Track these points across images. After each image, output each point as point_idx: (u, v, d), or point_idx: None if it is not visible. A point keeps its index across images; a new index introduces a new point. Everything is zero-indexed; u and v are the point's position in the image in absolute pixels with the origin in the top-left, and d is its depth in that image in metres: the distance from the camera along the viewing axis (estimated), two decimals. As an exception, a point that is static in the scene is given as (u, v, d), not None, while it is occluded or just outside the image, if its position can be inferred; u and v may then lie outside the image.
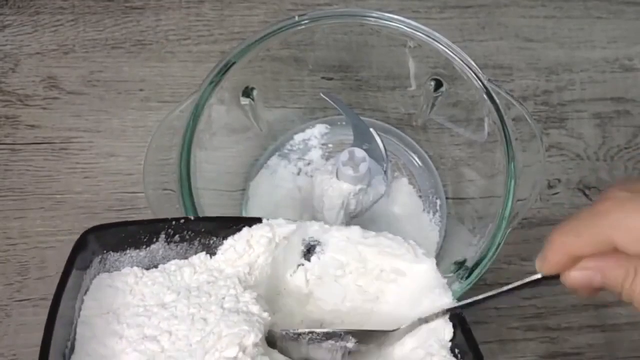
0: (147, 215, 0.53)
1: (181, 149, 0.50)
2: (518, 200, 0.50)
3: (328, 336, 0.40)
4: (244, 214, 0.59)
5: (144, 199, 0.51)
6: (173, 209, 0.49)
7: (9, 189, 0.61)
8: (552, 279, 0.37)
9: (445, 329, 0.39)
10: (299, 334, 0.40)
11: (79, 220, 0.59)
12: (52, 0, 0.69)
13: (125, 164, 0.62)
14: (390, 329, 0.40)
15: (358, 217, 0.56)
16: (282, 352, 0.41)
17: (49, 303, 0.36)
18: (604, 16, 0.73)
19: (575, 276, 0.36)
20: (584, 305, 0.59)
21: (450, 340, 0.39)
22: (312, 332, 0.40)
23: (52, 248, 0.58)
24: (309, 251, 0.44)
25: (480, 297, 0.39)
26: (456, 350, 0.39)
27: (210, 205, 0.51)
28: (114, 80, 0.66)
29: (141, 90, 0.66)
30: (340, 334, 0.40)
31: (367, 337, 0.41)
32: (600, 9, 0.73)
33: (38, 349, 0.35)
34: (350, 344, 0.40)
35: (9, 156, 0.62)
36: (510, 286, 0.38)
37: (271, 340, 0.41)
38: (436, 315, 0.40)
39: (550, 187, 0.64)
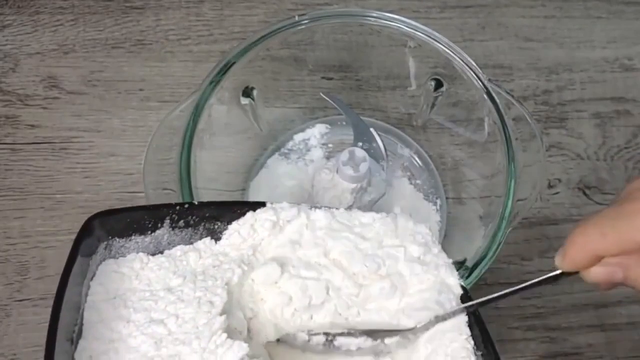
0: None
1: (181, 149, 0.50)
2: (518, 200, 0.50)
3: (342, 335, 0.41)
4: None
5: (144, 198, 0.51)
6: (173, 209, 0.49)
7: (9, 188, 0.61)
8: (571, 275, 0.37)
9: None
10: (313, 334, 0.41)
11: (79, 220, 0.58)
12: (52, 0, 0.69)
13: (125, 163, 0.62)
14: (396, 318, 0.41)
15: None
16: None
17: (49, 303, 0.37)
18: (604, 16, 0.73)
19: (597, 272, 0.36)
20: (584, 305, 0.59)
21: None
22: (326, 334, 0.41)
23: (52, 248, 0.58)
24: None
25: (498, 294, 0.39)
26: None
27: (211, 205, 0.51)
28: (114, 80, 0.66)
29: (141, 90, 0.66)
30: (355, 334, 0.41)
31: (382, 335, 0.41)
32: (600, 9, 0.73)
33: (38, 348, 0.35)
34: (366, 342, 0.40)
35: (9, 156, 0.62)
36: (528, 283, 0.39)
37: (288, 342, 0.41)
38: (453, 314, 0.40)
39: (550, 187, 0.64)
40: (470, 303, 0.40)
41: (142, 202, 0.59)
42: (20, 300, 0.57)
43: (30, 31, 0.68)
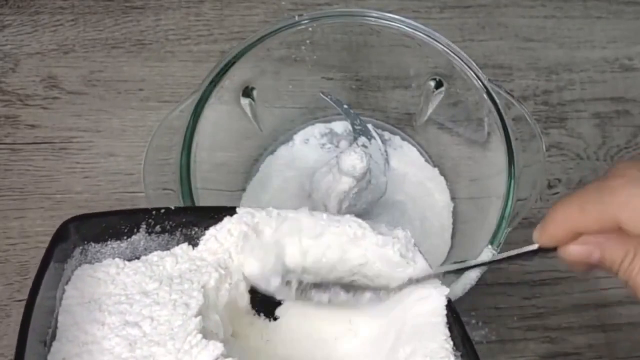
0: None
1: (181, 149, 0.50)
2: (518, 200, 0.50)
3: (316, 286, 0.41)
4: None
5: (144, 199, 0.51)
6: (173, 209, 0.49)
7: (9, 188, 0.61)
8: (549, 251, 0.36)
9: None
10: (287, 282, 0.41)
11: (79, 220, 0.59)
12: (52, 0, 0.69)
13: (125, 164, 0.62)
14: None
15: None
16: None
17: (49, 303, 0.37)
18: (604, 16, 0.73)
19: (574, 250, 0.35)
20: (584, 305, 0.59)
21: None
22: (300, 282, 0.41)
23: (52, 248, 0.58)
24: None
25: (472, 263, 0.41)
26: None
27: (210, 205, 0.51)
28: (114, 80, 0.66)
29: (141, 90, 0.66)
30: (328, 285, 0.41)
31: (355, 290, 0.41)
32: (600, 9, 0.73)
33: (38, 349, 0.35)
34: (339, 296, 0.41)
35: (9, 156, 0.62)
36: (505, 255, 0.39)
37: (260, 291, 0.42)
38: (428, 277, 0.40)
39: (550, 187, 0.64)
40: (441, 269, 0.41)
41: (142, 202, 0.59)
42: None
43: (30, 31, 0.67)
